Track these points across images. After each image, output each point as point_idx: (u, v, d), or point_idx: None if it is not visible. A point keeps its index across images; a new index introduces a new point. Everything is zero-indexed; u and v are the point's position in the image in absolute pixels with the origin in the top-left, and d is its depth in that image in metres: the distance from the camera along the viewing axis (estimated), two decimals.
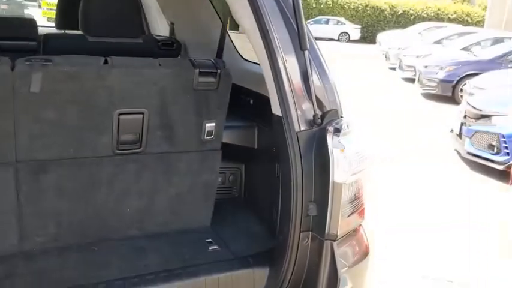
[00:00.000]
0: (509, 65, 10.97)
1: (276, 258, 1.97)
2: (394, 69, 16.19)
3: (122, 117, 2.00)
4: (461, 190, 5.94)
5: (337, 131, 1.85)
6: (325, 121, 1.90)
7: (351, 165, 1.84)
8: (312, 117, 1.90)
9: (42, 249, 2.00)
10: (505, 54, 11.50)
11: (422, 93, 12.53)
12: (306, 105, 1.91)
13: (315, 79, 1.94)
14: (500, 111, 6.66)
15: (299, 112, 1.88)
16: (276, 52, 1.88)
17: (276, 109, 1.92)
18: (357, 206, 1.97)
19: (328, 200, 1.83)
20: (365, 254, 2.10)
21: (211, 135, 2.20)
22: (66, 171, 1.99)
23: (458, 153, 7.14)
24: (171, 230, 2.22)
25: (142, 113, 2.03)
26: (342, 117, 1.98)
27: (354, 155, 1.86)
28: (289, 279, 1.94)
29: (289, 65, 1.91)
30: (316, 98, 1.92)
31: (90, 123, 1.97)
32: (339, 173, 1.82)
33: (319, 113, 1.91)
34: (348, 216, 1.93)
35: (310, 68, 1.91)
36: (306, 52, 1.89)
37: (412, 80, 13.70)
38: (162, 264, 1.99)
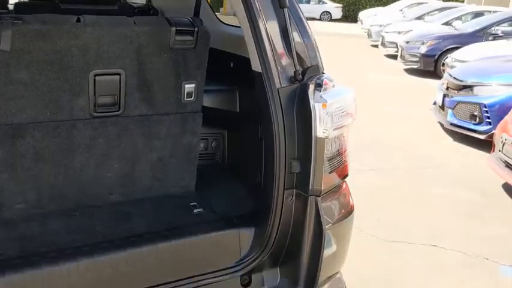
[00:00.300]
0: (490, 38, 11.06)
1: (261, 217, 1.97)
2: (376, 46, 16.21)
3: (98, 78, 1.96)
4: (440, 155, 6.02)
5: (318, 86, 1.83)
6: (306, 77, 1.88)
7: (333, 120, 1.83)
8: (292, 74, 1.88)
9: (23, 217, 1.96)
10: (485, 27, 11.59)
11: (405, 69, 12.58)
12: (286, 61, 1.89)
13: (295, 36, 1.92)
14: (482, 82, 6.72)
15: (279, 68, 1.86)
16: (255, 9, 1.85)
17: (255, 66, 1.90)
18: (340, 161, 1.97)
19: (311, 156, 1.83)
20: (349, 211, 2.11)
21: (191, 97, 2.16)
22: (43, 135, 1.94)
23: (441, 125, 7.20)
24: (154, 195, 2.19)
25: (119, 74, 1.99)
26: (323, 73, 1.96)
27: (336, 109, 1.84)
28: (275, 237, 1.94)
29: (269, 22, 1.88)
30: (297, 54, 1.90)
31: (66, 84, 1.93)
32: (321, 127, 1.81)
33: (300, 69, 1.89)
34: (331, 171, 1.93)
35: (290, 24, 1.89)
36: (286, 9, 1.87)
37: (394, 57, 13.75)
38: (146, 228, 1.98)
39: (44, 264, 1.69)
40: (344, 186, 2.10)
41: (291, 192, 1.91)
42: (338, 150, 1.94)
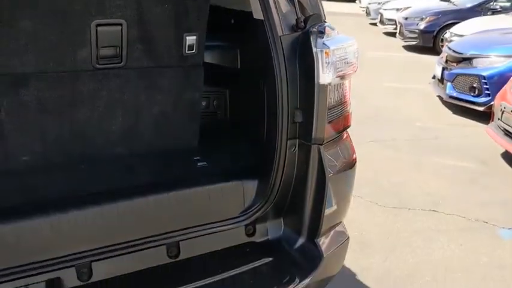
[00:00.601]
0: (489, 13, 11.00)
1: (264, 168, 1.98)
2: (375, 24, 16.11)
3: (99, 28, 1.95)
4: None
5: (320, 33, 1.83)
6: (308, 25, 1.87)
7: (336, 67, 1.83)
8: (294, 22, 1.88)
9: (29, 168, 1.97)
10: (484, 2, 11.51)
11: (403, 46, 12.52)
12: (288, 9, 1.88)
13: None
14: (481, 54, 6.71)
15: (281, 16, 1.86)
16: None
17: (257, 13, 1.89)
18: (342, 111, 1.98)
19: (313, 104, 1.83)
20: (352, 163, 2.12)
21: (193, 50, 2.16)
22: (47, 86, 1.94)
23: (441, 98, 7.20)
24: (158, 149, 2.20)
25: (121, 24, 1.98)
26: (325, 21, 1.96)
27: (338, 57, 1.84)
28: (278, 188, 1.95)
29: None
30: (298, 2, 1.89)
31: (68, 34, 1.92)
32: (324, 74, 1.81)
33: (302, 16, 1.88)
34: (333, 120, 1.93)
35: None
36: None
37: (393, 34, 13.67)
38: (151, 179, 1.99)
39: (52, 212, 1.70)
40: (346, 136, 2.11)
41: (294, 142, 1.92)
42: (340, 99, 1.95)
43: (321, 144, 1.88)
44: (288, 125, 1.89)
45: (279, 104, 1.87)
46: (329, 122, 1.90)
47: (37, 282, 1.59)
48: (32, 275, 1.59)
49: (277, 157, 1.92)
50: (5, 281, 1.55)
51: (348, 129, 2.12)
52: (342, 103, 1.96)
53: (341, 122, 1.99)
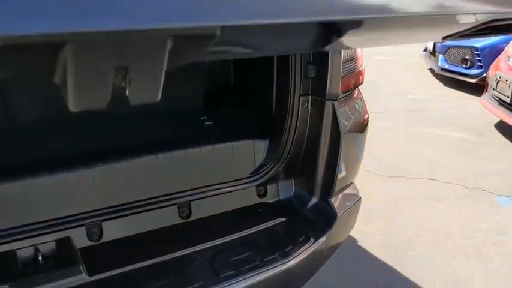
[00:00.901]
0: None
1: (276, 127, 1.92)
2: None
3: None
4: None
5: None
6: None
7: None
8: None
9: (31, 126, 1.88)
10: None
11: None
12: None
13: None
14: None
15: None
16: None
17: None
18: (354, 67, 1.92)
19: (328, 57, 1.77)
20: (364, 123, 2.07)
21: None
22: None
23: (432, 71, 7.20)
24: (162, 110, 2.11)
25: None
26: None
27: None
28: (290, 147, 1.90)
29: None
30: None
31: None
32: None
33: None
34: (345, 76, 1.87)
35: None
36: None
37: None
38: (159, 137, 1.92)
39: (59, 170, 1.63)
40: (357, 93, 2.05)
41: (307, 98, 1.86)
42: (352, 54, 1.88)
43: (335, 100, 1.82)
44: (301, 81, 1.83)
45: (292, 59, 1.80)
46: (341, 78, 1.83)
47: (47, 242, 1.52)
48: (41, 234, 1.52)
49: (290, 115, 1.86)
50: (14, 240, 1.48)
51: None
52: (353, 58, 1.90)
53: (352, 78, 1.92)
